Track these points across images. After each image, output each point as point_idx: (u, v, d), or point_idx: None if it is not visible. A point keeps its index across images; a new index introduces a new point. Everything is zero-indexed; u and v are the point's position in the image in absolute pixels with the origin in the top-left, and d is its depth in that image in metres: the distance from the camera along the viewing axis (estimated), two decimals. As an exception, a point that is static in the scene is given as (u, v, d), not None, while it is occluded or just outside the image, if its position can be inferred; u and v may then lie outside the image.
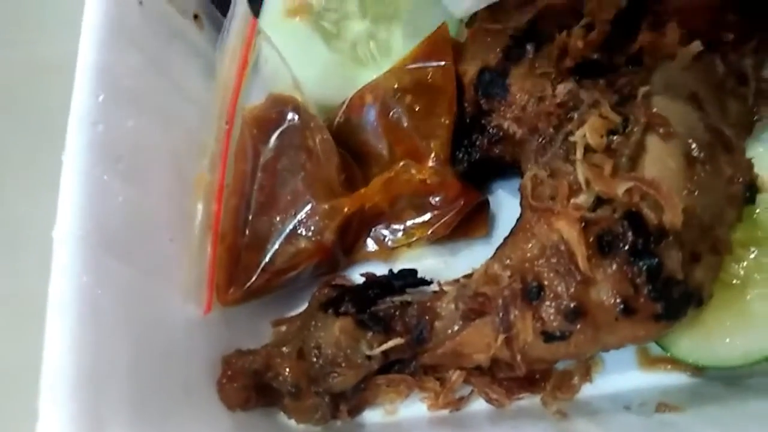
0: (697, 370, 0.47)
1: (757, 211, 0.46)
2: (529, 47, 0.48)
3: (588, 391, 0.46)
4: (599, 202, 0.42)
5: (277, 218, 0.44)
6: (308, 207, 0.44)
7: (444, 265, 0.49)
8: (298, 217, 0.44)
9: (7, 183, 0.55)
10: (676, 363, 0.47)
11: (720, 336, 0.45)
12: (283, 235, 0.44)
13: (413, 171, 0.46)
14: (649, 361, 0.48)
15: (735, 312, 0.45)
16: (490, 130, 0.49)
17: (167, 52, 0.47)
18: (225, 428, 0.39)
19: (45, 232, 0.36)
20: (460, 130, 0.50)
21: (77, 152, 0.38)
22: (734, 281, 0.45)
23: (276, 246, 0.43)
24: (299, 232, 0.43)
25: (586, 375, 0.46)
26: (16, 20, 0.63)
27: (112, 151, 0.39)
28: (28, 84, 0.60)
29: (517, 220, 0.46)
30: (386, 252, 0.49)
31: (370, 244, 0.48)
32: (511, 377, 0.45)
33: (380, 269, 0.47)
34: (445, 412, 0.44)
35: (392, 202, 0.46)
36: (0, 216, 0.52)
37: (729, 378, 0.46)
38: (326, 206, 0.43)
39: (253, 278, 0.43)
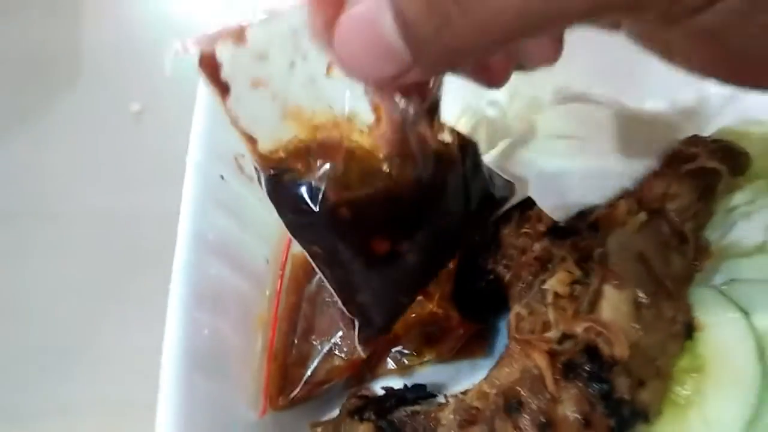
0: (655, 476, 0.57)
1: (698, 344, 0.58)
2: (515, 212, 0.63)
3: (562, 490, 0.56)
4: (564, 337, 0.54)
5: (317, 341, 0.58)
6: (341, 332, 0.58)
7: (450, 380, 0.61)
8: (333, 340, 0.57)
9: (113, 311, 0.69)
10: (637, 469, 0.57)
11: (670, 448, 0.56)
12: (321, 355, 0.57)
13: (424, 305, 0.60)
14: (615, 469, 0.58)
15: (680, 427, 0.56)
16: (486, 275, 0.63)
17: (243, 211, 0.63)
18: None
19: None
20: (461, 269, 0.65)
21: (178, 294, 0.53)
22: (680, 401, 0.57)
23: (315, 363, 0.57)
24: (335, 352, 0.57)
25: (560, 477, 0.57)
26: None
27: (200, 294, 0.54)
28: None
29: (505, 348, 0.58)
30: (402, 369, 0.62)
31: (390, 363, 0.61)
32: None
33: (397, 383, 0.60)
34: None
35: (407, 330, 0.59)
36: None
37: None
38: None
39: (298, 389, 0.56)
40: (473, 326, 0.61)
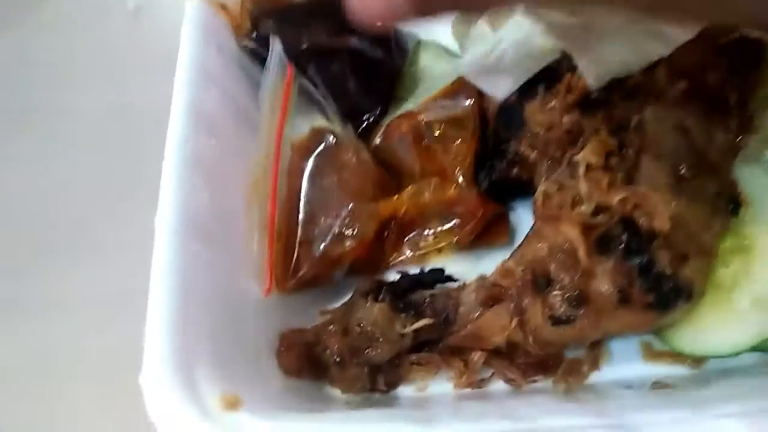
0: (695, 362, 0.52)
1: (745, 222, 0.53)
2: (540, 87, 0.57)
3: (595, 377, 0.52)
4: (599, 210, 0.50)
5: (325, 221, 0.54)
6: (350, 211, 0.53)
7: (470, 269, 0.57)
8: (342, 219, 0.53)
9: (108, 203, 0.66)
10: (677, 356, 0.53)
11: (712, 330, 0.51)
12: (330, 235, 0.53)
13: (441, 186, 0.55)
14: (652, 354, 0.53)
15: (724, 309, 0.51)
16: (509, 155, 0.58)
17: (238, 87, 0.59)
18: (285, 390, 0.47)
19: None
20: (483, 155, 0.59)
21: (173, 163, 0.49)
22: (725, 283, 0.52)
23: (326, 241, 0.52)
24: (343, 231, 0.53)
25: (595, 363, 0.52)
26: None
27: (197, 160, 0.50)
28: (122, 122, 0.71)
29: (531, 227, 0.54)
30: (418, 258, 0.57)
31: (406, 251, 0.57)
32: (527, 362, 0.52)
33: (413, 271, 0.55)
34: (468, 390, 0.51)
35: (422, 212, 0.55)
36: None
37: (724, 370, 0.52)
38: (365, 210, 0.53)
39: (306, 268, 0.52)
40: (494, 209, 0.56)
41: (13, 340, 0.59)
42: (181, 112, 0.52)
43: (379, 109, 0.63)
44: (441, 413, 0.46)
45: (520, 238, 0.58)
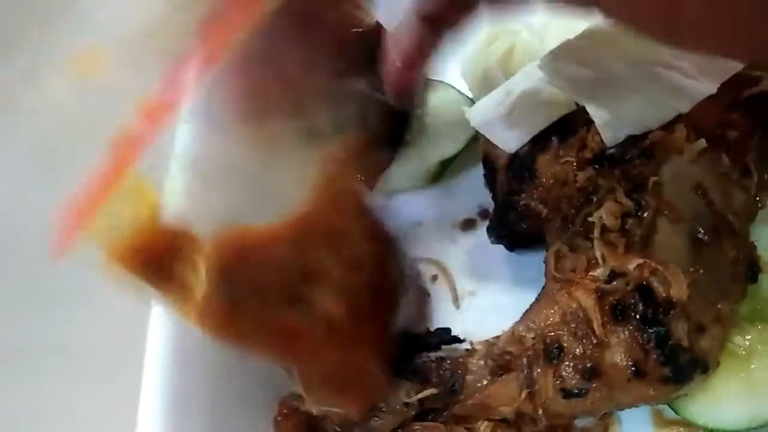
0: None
1: (763, 288, 0.51)
2: (554, 139, 0.55)
3: (605, 448, 0.50)
4: (614, 275, 0.48)
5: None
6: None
7: (477, 328, 0.55)
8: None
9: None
10: (689, 426, 0.51)
11: (727, 401, 0.49)
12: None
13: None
14: (663, 423, 0.52)
15: (740, 380, 0.49)
16: (520, 208, 0.56)
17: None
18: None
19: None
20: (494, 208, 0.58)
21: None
22: (740, 351, 0.50)
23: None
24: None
25: (605, 432, 0.51)
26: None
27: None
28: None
29: (542, 289, 0.52)
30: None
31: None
32: (535, 431, 0.50)
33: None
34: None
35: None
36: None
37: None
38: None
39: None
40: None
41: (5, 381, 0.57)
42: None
43: (389, 155, 0.61)
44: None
45: (527, 296, 0.56)
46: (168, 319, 0.42)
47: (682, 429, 0.51)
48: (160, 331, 0.42)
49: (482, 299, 0.58)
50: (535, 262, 0.57)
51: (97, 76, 0.37)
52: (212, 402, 0.42)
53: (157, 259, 0.37)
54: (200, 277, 0.38)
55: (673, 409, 0.51)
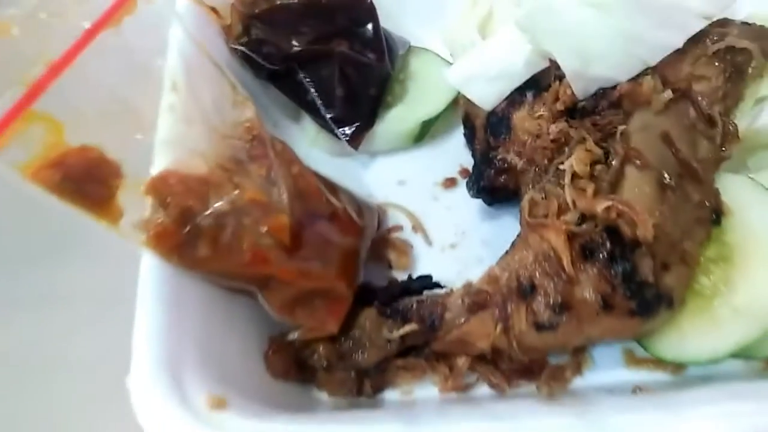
0: (676, 369, 0.53)
1: (728, 232, 0.54)
2: (528, 95, 0.58)
3: (578, 383, 0.53)
4: (583, 218, 0.50)
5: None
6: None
7: (458, 276, 0.57)
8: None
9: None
10: (658, 363, 0.54)
11: (692, 337, 0.52)
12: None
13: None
14: (634, 361, 0.54)
15: (705, 317, 0.52)
16: (497, 163, 0.58)
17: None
18: (272, 392, 0.47)
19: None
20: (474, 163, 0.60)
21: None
22: (706, 291, 0.53)
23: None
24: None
25: (578, 369, 0.53)
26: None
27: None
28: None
29: (517, 235, 0.54)
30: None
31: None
32: (511, 368, 0.53)
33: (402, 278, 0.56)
34: (453, 394, 0.52)
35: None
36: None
37: (704, 377, 0.53)
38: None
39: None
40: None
41: (5, 332, 0.59)
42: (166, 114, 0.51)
43: (368, 116, 0.64)
44: (425, 413, 0.46)
45: (504, 245, 0.58)
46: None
47: (651, 366, 0.54)
48: (152, 271, 0.44)
49: (462, 251, 0.61)
50: (513, 216, 0.60)
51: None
52: (205, 338, 0.44)
53: (73, 176, 0.42)
54: (147, 206, 0.43)
55: (643, 346, 0.54)
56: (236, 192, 0.46)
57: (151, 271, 0.44)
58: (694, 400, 0.45)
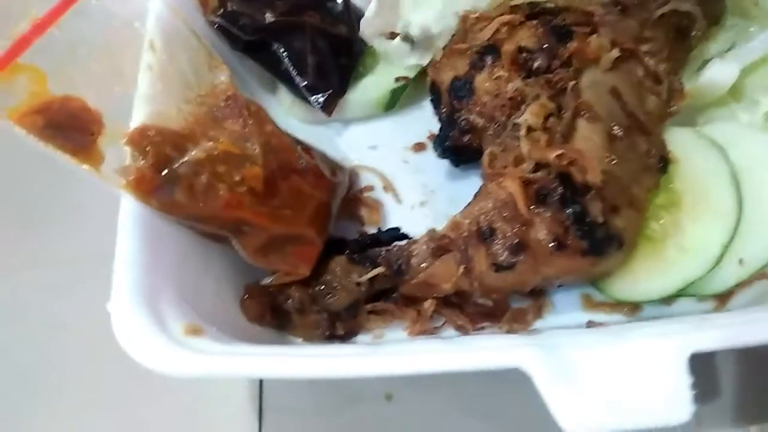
0: (631, 310, 0.57)
1: (675, 180, 0.58)
2: (488, 58, 0.62)
3: (539, 325, 0.56)
4: (538, 167, 0.54)
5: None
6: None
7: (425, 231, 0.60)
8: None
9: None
10: (614, 305, 0.57)
11: (644, 278, 0.55)
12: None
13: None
14: (591, 304, 0.58)
15: (655, 258, 0.55)
16: (461, 123, 0.62)
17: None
18: (246, 329, 0.50)
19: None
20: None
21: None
22: (656, 235, 0.56)
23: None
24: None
25: (538, 312, 0.57)
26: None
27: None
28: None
29: (480, 187, 0.58)
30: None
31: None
32: (475, 311, 0.56)
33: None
34: (422, 338, 0.55)
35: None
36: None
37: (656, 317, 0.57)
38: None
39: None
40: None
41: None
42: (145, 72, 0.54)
43: (339, 84, 0.67)
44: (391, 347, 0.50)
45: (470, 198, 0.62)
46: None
47: (607, 309, 0.58)
48: (131, 211, 0.47)
49: (431, 208, 0.65)
50: (478, 175, 0.63)
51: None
52: (183, 278, 0.47)
53: (56, 123, 0.46)
54: (123, 155, 0.46)
55: (598, 289, 0.57)
56: (211, 144, 0.49)
57: (130, 211, 0.47)
58: (639, 327, 0.48)
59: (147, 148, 0.47)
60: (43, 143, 0.44)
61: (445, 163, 0.66)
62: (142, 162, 0.46)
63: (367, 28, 0.67)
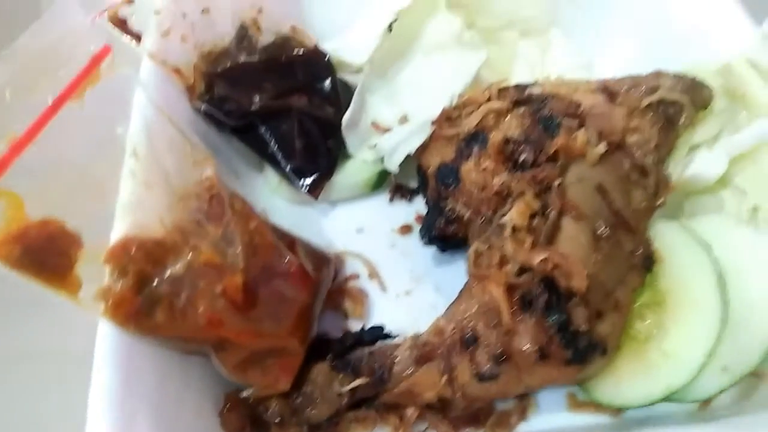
0: (615, 411, 0.56)
1: (660, 279, 0.57)
2: (475, 147, 0.61)
3: (523, 428, 0.56)
4: (522, 270, 0.53)
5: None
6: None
7: (412, 324, 0.59)
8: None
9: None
10: (599, 406, 0.56)
11: (627, 382, 0.54)
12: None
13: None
14: (576, 404, 0.57)
15: (638, 361, 0.55)
16: (446, 213, 0.61)
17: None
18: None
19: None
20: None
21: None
22: (640, 336, 0.56)
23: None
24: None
25: (522, 414, 0.56)
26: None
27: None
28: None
29: (464, 285, 0.57)
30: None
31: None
32: (459, 415, 0.55)
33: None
34: (404, 444, 0.54)
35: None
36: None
37: (642, 418, 0.56)
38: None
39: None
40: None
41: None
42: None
43: (326, 167, 0.67)
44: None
45: (454, 292, 0.61)
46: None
47: (592, 409, 0.57)
48: (108, 335, 0.46)
49: (416, 297, 0.64)
50: (463, 260, 0.63)
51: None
52: (160, 400, 0.46)
53: (33, 250, 0.45)
54: (102, 275, 0.46)
55: (582, 389, 0.56)
56: (191, 255, 0.49)
57: (107, 335, 0.46)
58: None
59: (127, 267, 0.46)
60: (19, 274, 0.44)
61: (431, 247, 0.65)
62: (121, 283, 0.46)
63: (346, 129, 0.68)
